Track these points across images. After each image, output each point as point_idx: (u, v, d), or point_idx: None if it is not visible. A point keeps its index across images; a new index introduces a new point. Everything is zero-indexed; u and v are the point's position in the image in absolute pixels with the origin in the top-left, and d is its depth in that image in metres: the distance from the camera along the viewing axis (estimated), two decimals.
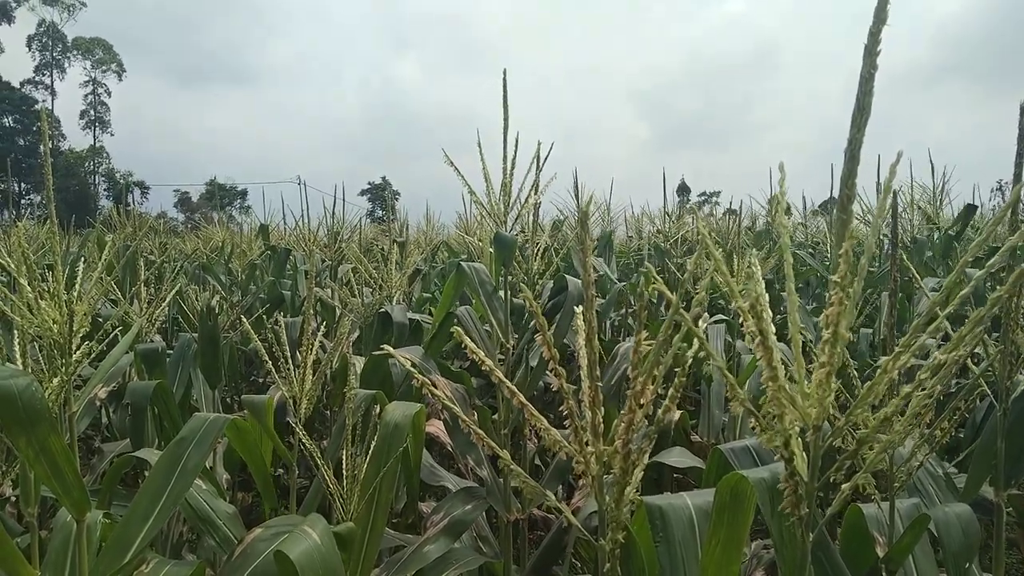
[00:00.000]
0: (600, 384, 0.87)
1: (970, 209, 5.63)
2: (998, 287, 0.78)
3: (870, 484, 1.72)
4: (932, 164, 6.16)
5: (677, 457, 2.90)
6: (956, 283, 0.82)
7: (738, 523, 1.16)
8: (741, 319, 0.85)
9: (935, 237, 6.02)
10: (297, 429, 2.10)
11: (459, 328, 0.95)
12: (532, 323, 3.01)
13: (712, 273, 0.92)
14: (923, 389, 0.84)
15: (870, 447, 0.89)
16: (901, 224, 6.26)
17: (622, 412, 0.86)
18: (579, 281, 3.16)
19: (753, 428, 0.85)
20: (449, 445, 2.98)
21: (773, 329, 0.84)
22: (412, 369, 0.91)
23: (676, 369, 0.89)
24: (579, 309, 0.91)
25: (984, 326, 0.82)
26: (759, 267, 0.93)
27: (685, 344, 0.89)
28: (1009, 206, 0.87)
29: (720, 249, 5.66)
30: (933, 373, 0.83)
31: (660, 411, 0.88)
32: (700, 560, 1.24)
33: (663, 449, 3.01)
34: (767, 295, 0.90)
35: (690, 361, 0.92)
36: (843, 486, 0.88)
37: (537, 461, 4.08)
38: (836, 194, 7.01)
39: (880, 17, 0.76)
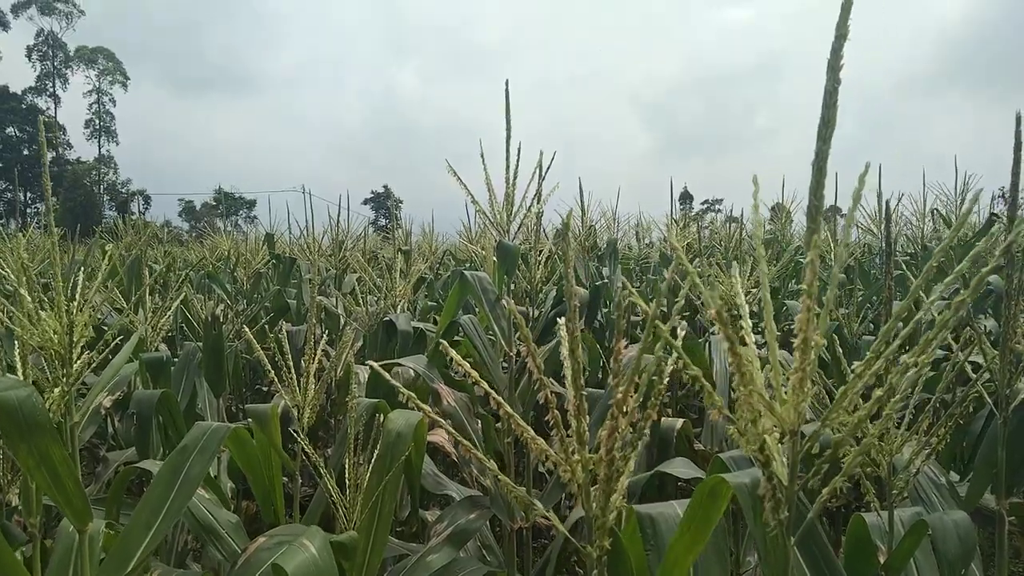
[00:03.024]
0: (585, 392, 0.88)
1: (992, 219, 5.68)
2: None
3: (870, 492, 1.72)
4: (956, 170, 6.19)
5: (680, 468, 2.90)
6: (922, 288, 0.83)
7: (710, 514, 1.19)
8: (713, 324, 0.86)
9: (951, 244, 6.02)
10: (300, 438, 2.10)
11: (445, 343, 0.96)
12: (535, 332, 3.02)
13: (689, 285, 0.93)
14: (895, 393, 0.85)
15: (846, 451, 0.90)
16: (913, 231, 6.28)
17: (606, 420, 0.87)
18: (581, 291, 3.17)
19: (731, 434, 0.87)
20: (453, 454, 2.99)
21: (752, 336, 0.86)
22: (403, 389, 0.92)
23: (654, 377, 0.90)
24: (562, 320, 0.93)
25: (950, 330, 0.83)
26: (739, 278, 0.94)
27: (667, 353, 0.90)
28: (969, 211, 0.87)
29: (721, 257, 5.66)
30: (903, 374, 0.84)
31: (641, 419, 0.89)
32: (669, 543, 1.26)
33: (666, 458, 3.01)
34: (745, 303, 0.91)
35: (670, 368, 0.93)
36: (823, 490, 0.89)
37: (541, 469, 4.09)
38: (838, 203, 7.01)
39: (841, 32, 0.78)
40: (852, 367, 0.81)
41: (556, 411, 0.86)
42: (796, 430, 0.82)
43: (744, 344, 0.84)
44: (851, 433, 0.83)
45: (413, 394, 0.90)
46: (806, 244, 0.79)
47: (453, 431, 0.91)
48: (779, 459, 0.84)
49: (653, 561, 1.29)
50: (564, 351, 0.91)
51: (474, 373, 0.90)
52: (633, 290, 0.87)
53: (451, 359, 0.90)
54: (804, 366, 0.80)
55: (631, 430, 0.86)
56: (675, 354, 0.87)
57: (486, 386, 0.91)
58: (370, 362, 1.11)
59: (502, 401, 0.90)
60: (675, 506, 1.37)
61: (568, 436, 0.89)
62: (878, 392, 0.81)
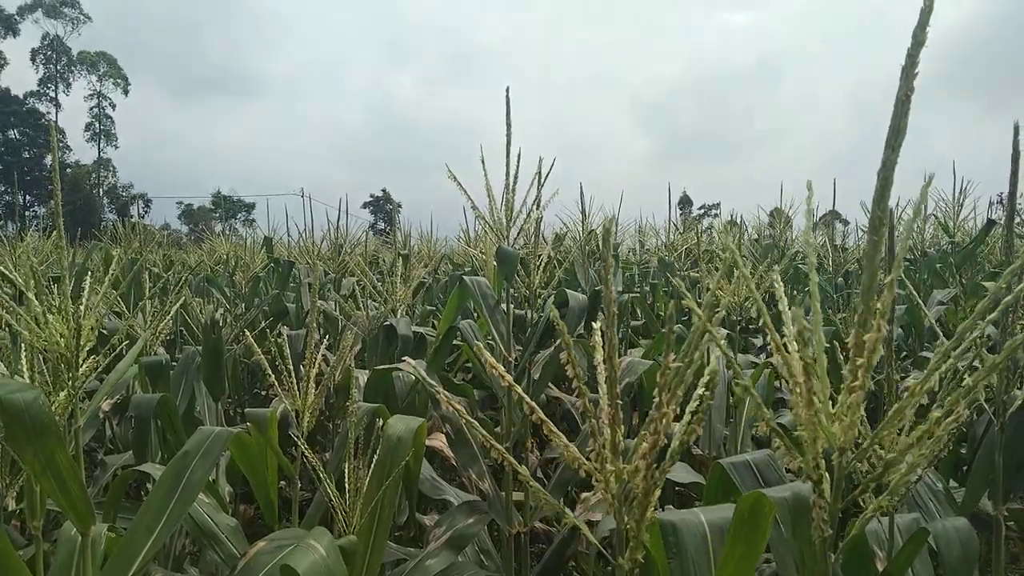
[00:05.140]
0: (619, 402, 0.87)
1: (990, 224, 5.70)
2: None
3: (891, 502, 1.72)
4: (955, 176, 6.22)
5: (679, 473, 2.91)
6: (987, 309, 0.84)
7: (755, 539, 1.17)
8: (768, 337, 0.86)
9: (948, 249, 6.08)
10: (300, 442, 2.11)
11: (479, 344, 0.96)
12: (534, 337, 3.02)
13: (739, 291, 0.93)
14: (951, 414, 0.85)
15: (896, 470, 0.90)
16: (913, 237, 6.32)
17: (643, 432, 0.86)
18: (580, 296, 3.18)
19: (776, 448, 0.86)
20: (452, 459, 2.99)
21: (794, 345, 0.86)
22: (429, 381, 0.93)
23: (705, 392, 0.89)
24: (597, 325, 0.92)
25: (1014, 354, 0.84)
26: (781, 284, 0.94)
27: (704, 364, 0.90)
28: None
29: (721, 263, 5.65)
30: (964, 397, 0.83)
31: (684, 432, 0.89)
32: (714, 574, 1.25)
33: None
34: (767, 311, 0.91)
35: (707, 379, 0.92)
36: (868, 507, 0.89)
37: (539, 474, 4.09)
38: (839, 208, 7.02)
39: (919, 39, 0.75)
40: (906, 384, 0.81)
41: (593, 420, 0.86)
42: (846, 448, 0.81)
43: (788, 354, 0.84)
44: (903, 453, 0.83)
45: (445, 393, 0.91)
46: (868, 259, 0.78)
47: (483, 432, 0.91)
48: (824, 476, 0.83)
49: (675, 569, 1.29)
50: (598, 357, 0.90)
51: (508, 378, 0.90)
52: (690, 298, 0.87)
53: (486, 361, 0.90)
54: (864, 384, 0.79)
55: (667, 441, 0.85)
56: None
57: (520, 390, 0.91)
58: (407, 358, 1.12)
59: (536, 407, 0.89)
60: (698, 513, 1.37)
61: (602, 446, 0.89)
62: (936, 414, 0.81)
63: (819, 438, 0.82)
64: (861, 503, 0.90)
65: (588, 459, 0.91)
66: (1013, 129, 1.77)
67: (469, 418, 0.94)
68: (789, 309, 0.89)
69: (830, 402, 0.83)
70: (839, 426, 0.81)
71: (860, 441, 0.88)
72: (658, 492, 0.88)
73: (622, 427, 0.88)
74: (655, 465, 0.87)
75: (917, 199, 0.86)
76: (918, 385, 0.82)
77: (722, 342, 0.91)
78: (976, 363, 2.23)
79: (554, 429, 0.93)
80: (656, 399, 0.87)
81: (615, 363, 0.88)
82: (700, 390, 0.91)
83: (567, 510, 0.94)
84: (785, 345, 0.86)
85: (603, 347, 0.90)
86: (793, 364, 0.85)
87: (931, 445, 0.90)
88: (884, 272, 0.79)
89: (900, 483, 0.89)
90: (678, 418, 0.92)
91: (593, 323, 0.93)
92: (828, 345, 0.87)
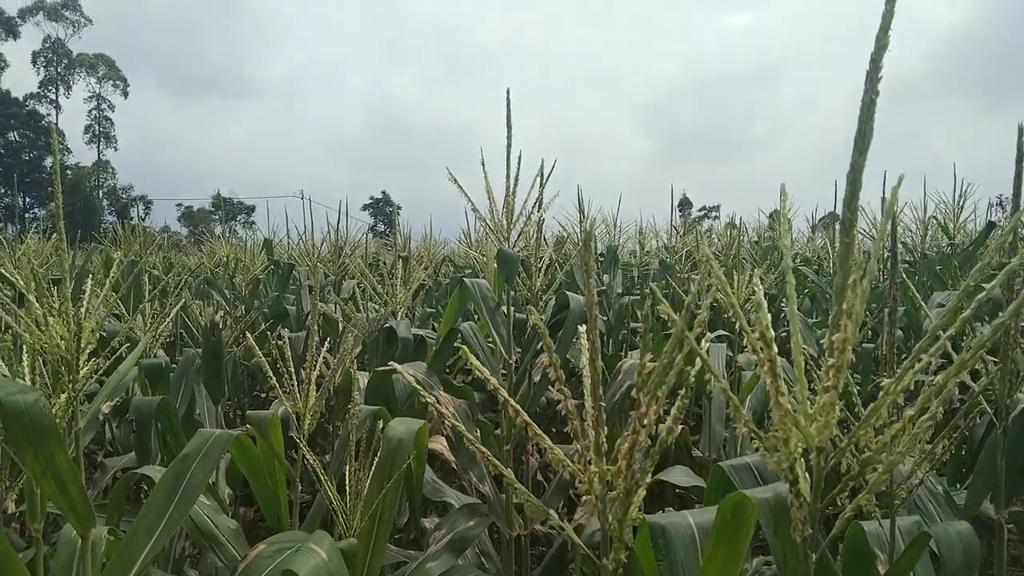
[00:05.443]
0: (604, 403, 0.88)
1: (990, 226, 5.72)
2: (1000, 312, 0.80)
3: (871, 502, 1.72)
4: (955, 178, 6.24)
5: (679, 476, 2.91)
6: (958, 306, 0.83)
7: (737, 540, 1.17)
8: (745, 340, 0.86)
9: (949, 251, 6.09)
10: (301, 445, 2.11)
11: (465, 347, 0.96)
12: (535, 339, 3.03)
13: (715, 294, 0.93)
14: (925, 412, 0.85)
15: (873, 469, 0.90)
16: (913, 239, 6.32)
17: (626, 432, 0.86)
18: (581, 298, 3.18)
19: (757, 448, 0.87)
20: (452, 461, 2.99)
21: (774, 348, 0.86)
22: (420, 388, 0.93)
23: (680, 391, 0.90)
24: (583, 328, 0.93)
25: (986, 349, 0.83)
26: (761, 288, 0.94)
27: (689, 366, 0.90)
28: (1010, 231, 0.89)
29: (721, 266, 5.66)
30: (936, 395, 0.84)
31: (663, 432, 0.89)
32: (701, 569, 1.25)
33: (665, 466, 3.01)
34: (768, 314, 0.91)
35: (692, 380, 0.93)
36: (847, 506, 0.89)
37: (539, 477, 4.09)
38: (839, 210, 7.06)
39: (882, 44, 0.77)
40: (882, 384, 0.81)
41: (576, 422, 0.86)
42: (823, 447, 0.82)
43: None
44: (880, 452, 0.83)
45: (434, 400, 0.91)
46: (841, 260, 0.79)
47: (471, 437, 0.91)
48: (803, 475, 0.83)
49: (664, 570, 1.29)
50: (584, 359, 0.91)
51: (494, 381, 0.91)
52: (665, 302, 0.87)
53: (471, 365, 0.90)
54: (837, 384, 0.79)
55: (650, 442, 0.86)
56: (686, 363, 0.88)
57: (506, 395, 0.91)
58: (393, 363, 1.12)
59: (521, 410, 0.90)
60: (687, 516, 1.37)
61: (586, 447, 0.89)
62: (909, 412, 0.81)
63: (791, 438, 0.82)
64: (838, 502, 0.90)
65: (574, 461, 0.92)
66: (1017, 131, 1.76)
67: (455, 422, 0.94)
68: (771, 312, 0.89)
69: (808, 402, 0.83)
70: (815, 426, 0.82)
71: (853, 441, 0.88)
72: (642, 492, 0.88)
73: (605, 428, 0.89)
74: (635, 465, 0.87)
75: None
76: (892, 384, 0.82)
77: (704, 344, 0.91)
78: (978, 364, 2.24)
79: (538, 432, 0.93)
80: (636, 400, 0.88)
81: (597, 366, 0.89)
82: (682, 391, 0.92)
83: (551, 511, 0.94)
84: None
85: (587, 350, 0.90)
86: (765, 364, 0.85)
87: (907, 443, 0.90)
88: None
89: (878, 482, 0.89)
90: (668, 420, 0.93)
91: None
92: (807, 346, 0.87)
